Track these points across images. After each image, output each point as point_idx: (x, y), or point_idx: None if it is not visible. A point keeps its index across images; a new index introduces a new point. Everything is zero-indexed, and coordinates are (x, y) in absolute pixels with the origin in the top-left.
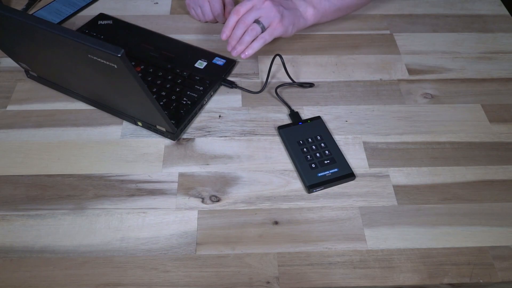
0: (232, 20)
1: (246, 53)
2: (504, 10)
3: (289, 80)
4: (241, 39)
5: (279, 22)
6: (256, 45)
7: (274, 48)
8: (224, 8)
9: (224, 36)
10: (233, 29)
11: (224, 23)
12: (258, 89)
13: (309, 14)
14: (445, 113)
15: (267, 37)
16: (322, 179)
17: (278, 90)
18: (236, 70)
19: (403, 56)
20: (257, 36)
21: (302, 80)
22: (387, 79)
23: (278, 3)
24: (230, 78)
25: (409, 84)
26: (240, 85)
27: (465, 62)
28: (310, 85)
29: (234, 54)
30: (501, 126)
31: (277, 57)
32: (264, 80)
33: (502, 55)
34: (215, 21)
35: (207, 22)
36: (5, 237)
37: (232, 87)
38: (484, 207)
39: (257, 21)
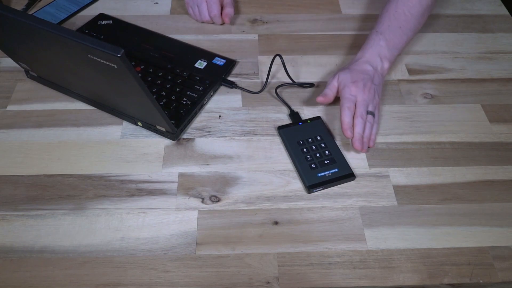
0: (348, 118)
1: (371, 145)
2: (504, 10)
3: (289, 80)
4: (363, 135)
5: (378, 101)
6: (375, 135)
7: (274, 48)
8: (222, 10)
9: (349, 135)
10: (353, 126)
11: (220, 25)
12: (258, 89)
13: (385, 68)
14: (445, 113)
15: (377, 119)
16: (322, 179)
17: (278, 90)
18: (236, 70)
19: (403, 56)
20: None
21: (302, 80)
22: (387, 79)
23: (368, 79)
24: (230, 78)
25: (409, 84)
26: (240, 85)
27: (465, 62)
28: (310, 85)
29: (364, 151)
30: (501, 126)
31: (277, 57)
32: (264, 80)
33: (502, 55)
34: (211, 21)
35: (203, 22)
36: (5, 237)
37: (232, 87)
38: (484, 207)
39: (368, 112)
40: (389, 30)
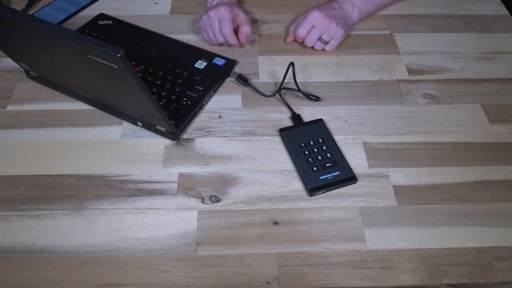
0: (297, 40)
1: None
2: (504, 10)
3: (294, 87)
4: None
5: (342, 35)
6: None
7: (274, 49)
8: (238, 28)
9: (289, 39)
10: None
11: (234, 44)
12: (262, 90)
13: (355, 16)
14: (445, 113)
15: (332, 48)
16: (324, 182)
17: (281, 92)
18: (236, 70)
19: (403, 56)
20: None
21: (302, 80)
22: (387, 79)
23: (333, 15)
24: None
25: (409, 84)
26: (253, 85)
27: (465, 62)
28: (317, 98)
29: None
30: (501, 126)
31: (275, 60)
32: (270, 81)
33: (502, 55)
34: (226, 43)
35: (220, 45)
36: (5, 237)
37: (245, 85)
38: (484, 207)
39: (320, 39)
40: None
